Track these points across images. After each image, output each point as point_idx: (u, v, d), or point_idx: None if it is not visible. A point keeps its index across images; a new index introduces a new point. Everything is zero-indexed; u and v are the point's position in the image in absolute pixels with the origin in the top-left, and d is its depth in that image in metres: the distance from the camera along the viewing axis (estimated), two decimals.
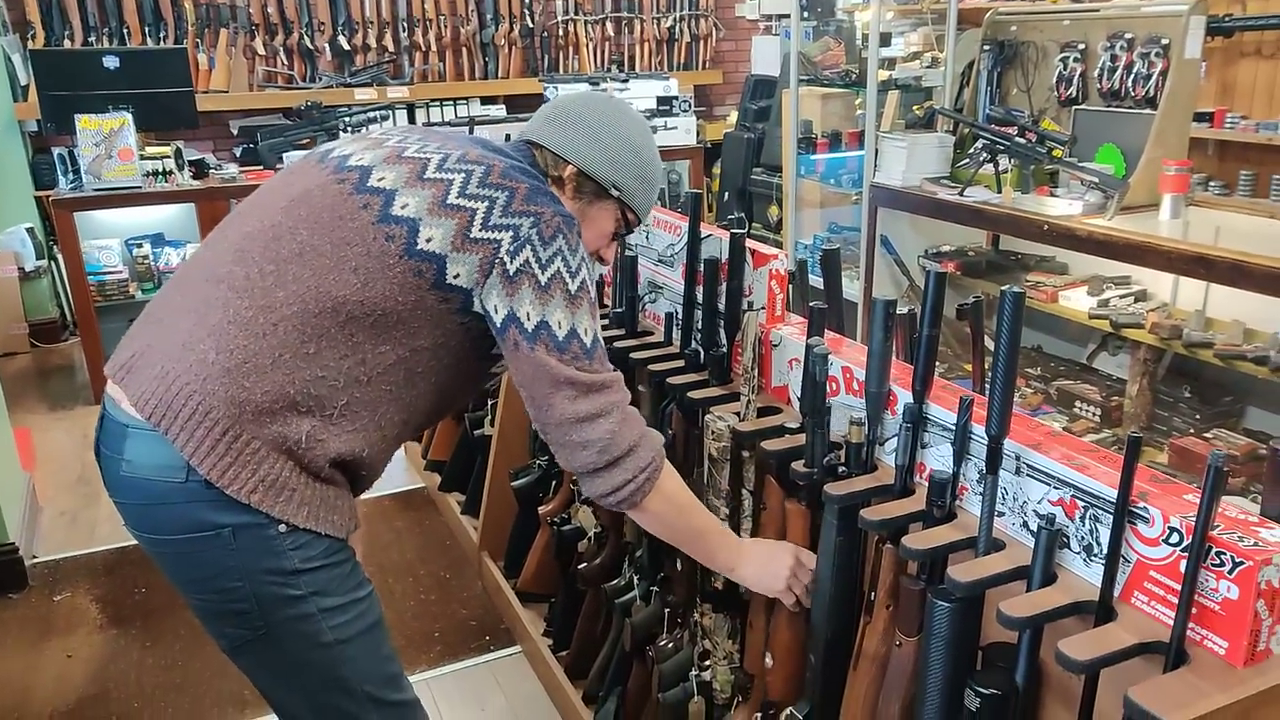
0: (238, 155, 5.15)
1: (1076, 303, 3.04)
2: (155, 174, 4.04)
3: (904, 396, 1.29)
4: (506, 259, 1.22)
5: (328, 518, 1.25)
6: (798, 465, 1.39)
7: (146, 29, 5.22)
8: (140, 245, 4.48)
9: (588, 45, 6.17)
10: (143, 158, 3.99)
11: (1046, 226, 2.81)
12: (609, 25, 6.22)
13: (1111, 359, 3.17)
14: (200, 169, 4.23)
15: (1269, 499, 0.95)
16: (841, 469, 1.35)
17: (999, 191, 3.10)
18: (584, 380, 1.23)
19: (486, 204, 1.24)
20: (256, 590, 1.23)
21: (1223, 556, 0.91)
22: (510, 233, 1.23)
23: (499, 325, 1.24)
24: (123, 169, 3.92)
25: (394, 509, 3.13)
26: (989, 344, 1.46)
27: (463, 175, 1.28)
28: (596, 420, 1.24)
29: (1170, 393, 2.88)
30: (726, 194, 5.61)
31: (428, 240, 1.23)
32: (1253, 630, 0.90)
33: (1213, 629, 0.93)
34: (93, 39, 5.12)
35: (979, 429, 1.16)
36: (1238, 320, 2.62)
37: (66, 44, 5.06)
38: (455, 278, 1.23)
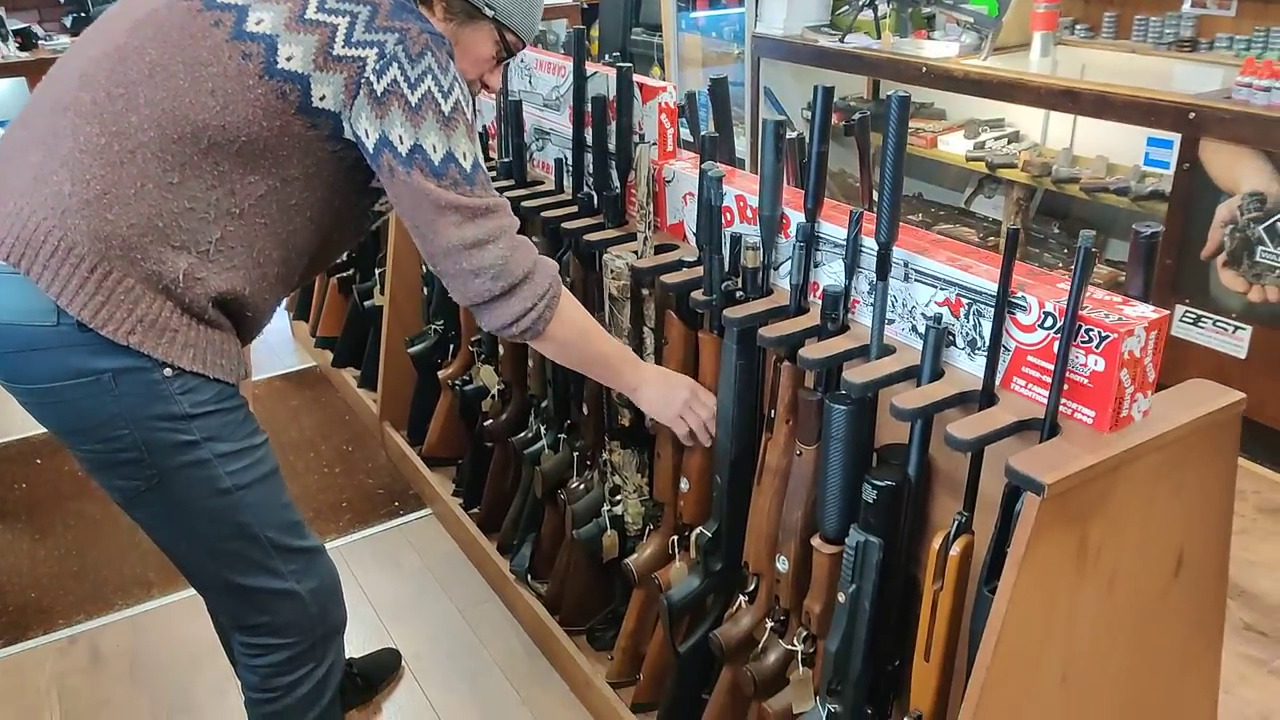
0: (68, 25, 4.73)
1: (954, 147, 3.13)
2: None
3: (796, 218, 1.32)
4: (373, 78, 1.16)
5: (215, 361, 1.22)
6: (697, 294, 1.41)
7: None
8: None
9: None
10: None
11: (925, 69, 2.86)
12: None
13: (988, 201, 3.29)
14: (27, 39, 3.89)
15: (1132, 279, 1.02)
16: (739, 295, 1.38)
17: (878, 37, 3.13)
18: (467, 205, 1.20)
19: (348, 19, 1.18)
20: (145, 438, 1.19)
21: (1091, 333, 0.98)
22: (375, 50, 1.16)
23: (372, 151, 1.19)
24: None
25: (287, 388, 3.08)
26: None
27: None
28: (485, 246, 1.22)
29: (1041, 230, 3.02)
30: (606, 56, 5.49)
31: (288, 59, 1.16)
32: (1117, 398, 0.98)
33: (1082, 401, 1.01)
34: None
35: (869, 242, 1.20)
36: (1102, 155, 2.74)
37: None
38: (321, 100, 1.17)
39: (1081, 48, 3.10)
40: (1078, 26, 3.10)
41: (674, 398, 1.44)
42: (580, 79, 1.69)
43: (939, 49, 2.94)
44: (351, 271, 2.91)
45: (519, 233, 1.28)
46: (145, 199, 1.14)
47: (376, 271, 2.73)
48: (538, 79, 1.88)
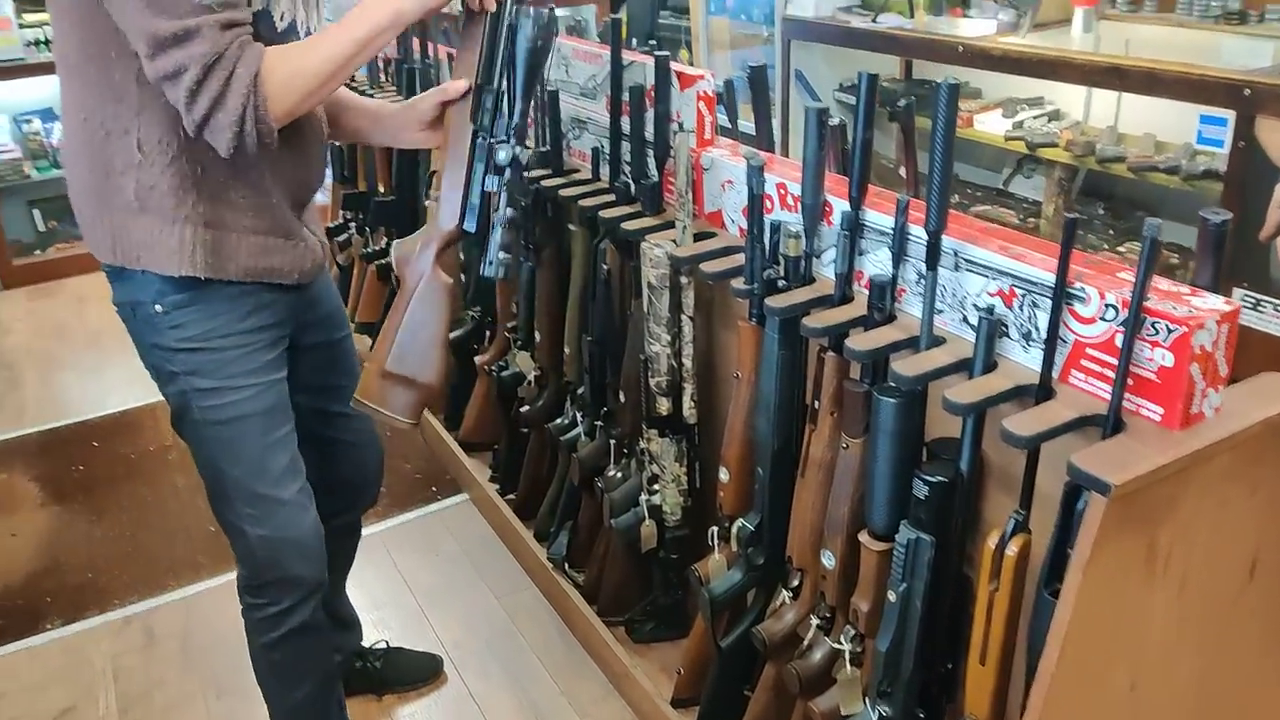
0: None
1: (991, 126, 3.06)
2: (37, 43, 3.75)
3: (840, 206, 1.30)
4: None
5: (197, 258, 1.28)
6: (738, 282, 1.39)
7: None
8: (30, 121, 4.18)
9: None
10: (22, 26, 3.71)
11: (962, 48, 2.80)
12: None
13: (1027, 181, 3.22)
14: None
15: (1200, 270, 0.99)
16: (782, 283, 1.36)
17: (911, 16, 3.07)
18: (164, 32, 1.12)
19: None
20: (152, 362, 1.38)
21: (1158, 326, 0.95)
22: None
23: None
24: (1, 40, 3.62)
25: None
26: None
27: None
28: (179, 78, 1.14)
29: (1085, 211, 2.95)
30: (634, 40, 5.44)
31: None
32: (1187, 394, 0.95)
33: (1149, 397, 0.97)
34: None
35: (916, 230, 1.18)
36: (1149, 133, 2.67)
37: None
38: None
39: (1125, 22, 3.02)
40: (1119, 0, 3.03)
41: None
42: (618, 68, 1.66)
43: (976, 27, 2.88)
44: (389, 258, 2.90)
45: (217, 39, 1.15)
46: (75, 144, 1.29)
47: None
48: (575, 68, 1.86)
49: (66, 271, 4.00)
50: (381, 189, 2.90)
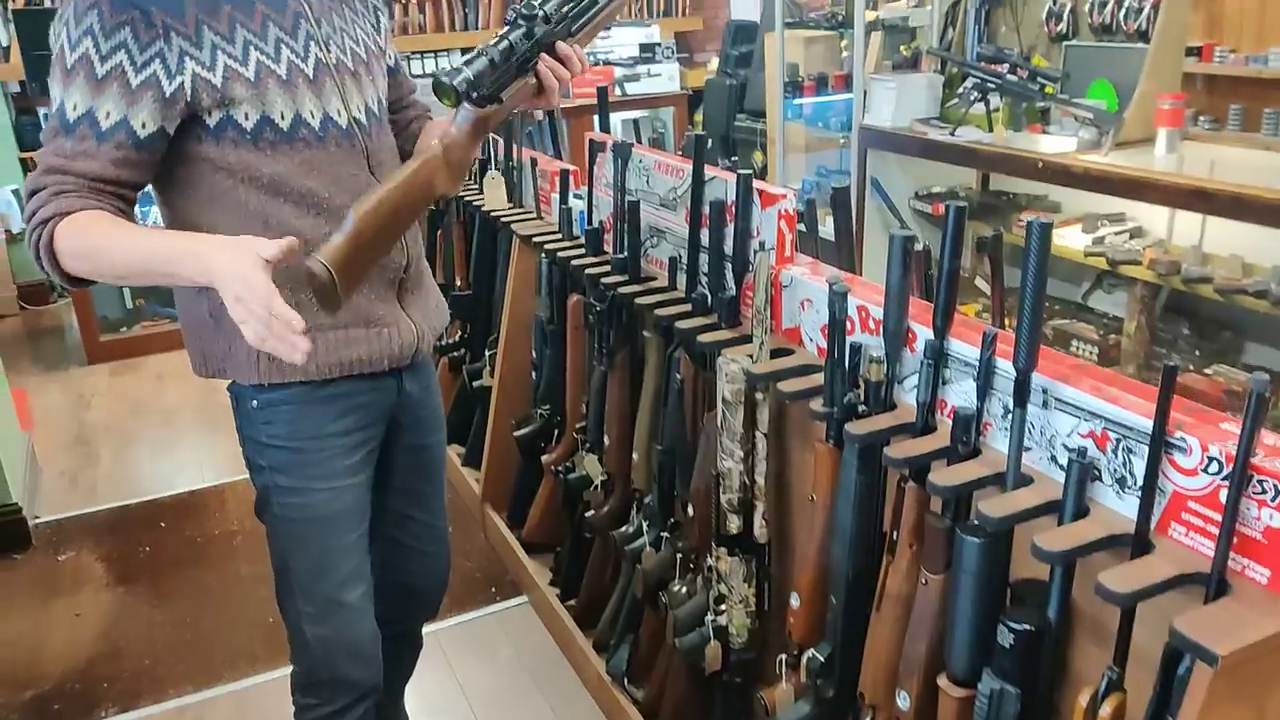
0: None
1: (1071, 241, 3.03)
2: None
3: (923, 333, 1.28)
4: None
5: (272, 365, 1.33)
6: (816, 404, 1.37)
7: None
8: None
9: None
10: None
11: (1041, 164, 2.79)
12: None
13: (1107, 297, 3.17)
14: None
15: None
16: (861, 408, 1.34)
17: (990, 130, 3.07)
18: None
19: None
20: (245, 452, 1.44)
21: (1265, 484, 0.90)
22: None
23: None
24: None
25: None
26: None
27: None
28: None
29: (1168, 330, 2.89)
30: (710, 141, 5.54)
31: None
32: None
33: (1255, 558, 0.92)
34: None
35: (1003, 363, 1.15)
36: (1235, 254, 2.62)
37: (48, 3, 4.89)
38: None
39: (1208, 142, 3.00)
40: (1201, 119, 3.01)
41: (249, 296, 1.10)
42: (699, 184, 1.68)
43: (1056, 144, 2.87)
44: (462, 351, 2.95)
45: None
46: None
47: (487, 353, 2.76)
48: (655, 179, 1.89)
49: (149, 349, 4.13)
50: (459, 283, 2.96)
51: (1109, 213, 3.03)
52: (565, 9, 1.42)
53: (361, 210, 1.22)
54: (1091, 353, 3.03)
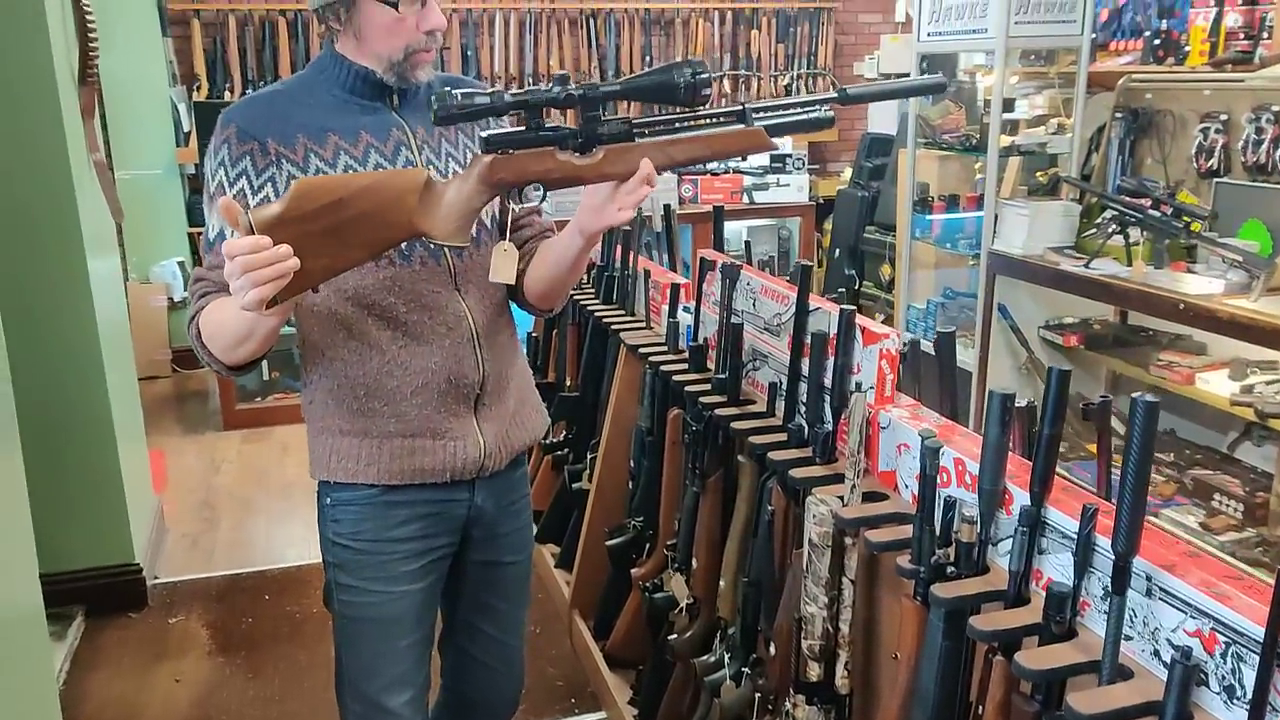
0: None
1: (1216, 387, 2.84)
2: None
3: (1020, 496, 1.21)
4: None
5: (341, 465, 1.41)
6: (903, 560, 1.31)
7: None
8: None
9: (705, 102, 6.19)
10: None
11: (1183, 305, 2.65)
12: (726, 82, 6.23)
13: (1256, 449, 2.95)
14: None
15: None
16: (951, 569, 1.26)
17: (1129, 265, 2.95)
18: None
19: None
20: (320, 544, 1.49)
21: None
22: None
23: None
24: None
25: None
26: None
27: None
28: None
29: None
30: (838, 251, 5.52)
31: None
32: None
33: None
34: (249, 91, 5.38)
35: (1104, 540, 1.07)
36: None
37: (227, 96, 5.35)
38: None
39: None
40: None
41: None
42: (802, 313, 1.66)
43: (1200, 285, 2.72)
44: (566, 451, 2.97)
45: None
46: None
47: (588, 456, 2.76)
48: (761, 304, 1.88)
49: (277, 419, 4.33)
50: (569, 383, 3.00)
51: (1260, 360, 2.84)
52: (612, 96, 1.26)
53: (302, 180, 1.22)
54: (1236, 510, 2.81)
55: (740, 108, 1.29)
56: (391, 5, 1.29)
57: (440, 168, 1.41)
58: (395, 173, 1.31)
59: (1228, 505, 2.82)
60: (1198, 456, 3.05)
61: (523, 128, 1.26)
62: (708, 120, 1.29)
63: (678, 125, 1.28)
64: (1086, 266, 2.99)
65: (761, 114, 1.30)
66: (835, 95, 1.30)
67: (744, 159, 4.80)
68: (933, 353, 1.54)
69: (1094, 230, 3.10)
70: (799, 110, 1.30)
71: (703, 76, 1.23)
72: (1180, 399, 2.97)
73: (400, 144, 1.38)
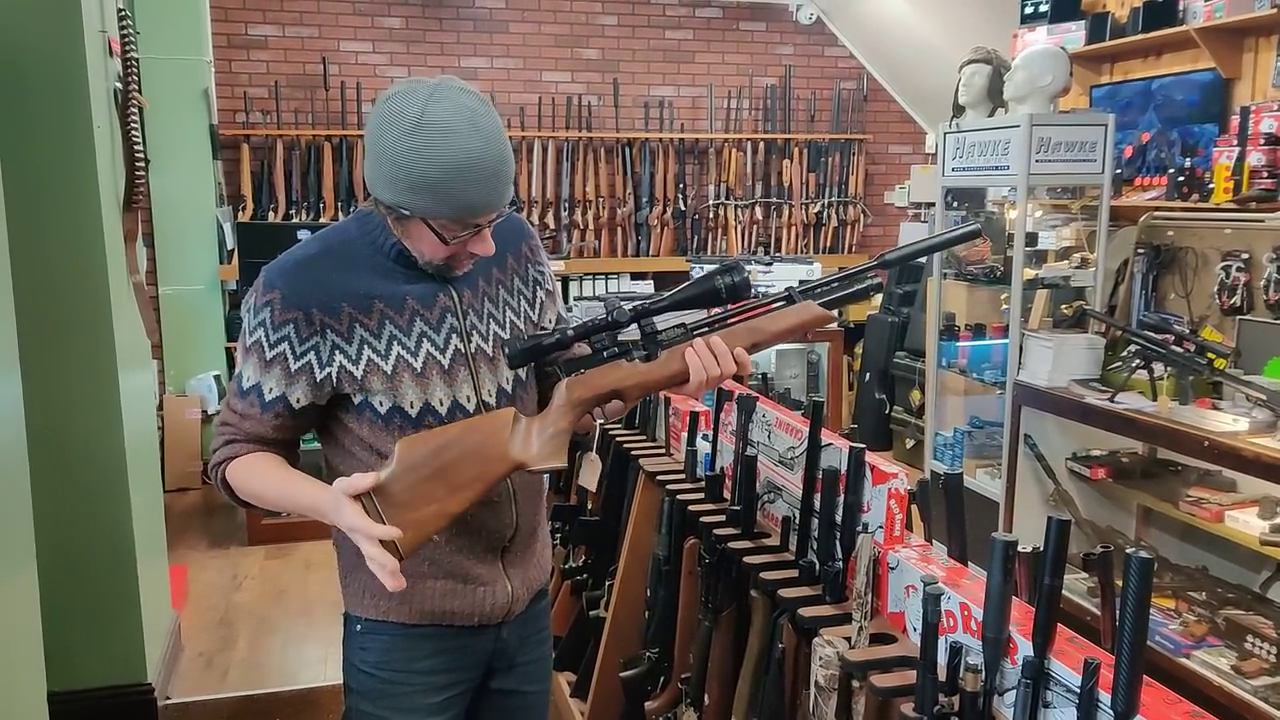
0: None
1: (1246, 525, 2.79)
2: None
3: (1025, 646, 1.19)
4: None
5: (372, 603, 1.45)
6: (907, 708, 1.28)
7: (339, 204, 5.71)
8: None
9: (736, 228, 6.34)
10: None
11: (1208, 443, 2.63)
12: (758, 210, 6.39)
13: None
14: None
15: None
16: (955, 718, 1.24)
17: (1154, 399, 2.94)
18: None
19: None
20: (343, 671, 1.52)
21: None
22: None
23: None
24: None
25: None
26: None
27: None
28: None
29: None
30: (869, 374, 5.54)
31: None
32: None
33: None
34: (293, 212, 5.64)
35: (1107, 698, 1.05)
36: None
37: (270, 217, 5.58)
38: None
39: None
40: None
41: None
42: (815, 449, 1.68)
43: (1226, 422, 2.70)
44: (585, 576, 2.95)
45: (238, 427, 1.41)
46: None
47: (606, 583, 2.74)
48: (776, 436, 1.89)
49: (302, 535, 4.34)
50: (590, 507, 3.00)
51: None
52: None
53: (405, 439, 1.33)
54: (1270, 652, 2.72)
55: (786, 292, 1.42)
56: (441, 240, 1.33)
57: (482, 330, 1.45)
58: (486, 416, 1.40)
59: (1261, 647, 2.73)
60: (1230, 595, 2.97)
61: (590, 352, 1.42)
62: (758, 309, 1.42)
63: (730, 321, 1.41)
64: (1111, 400, 2.98)
65: (809, 292, 1.41)
66: (875, 262, 1.39)
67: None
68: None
69: (1119, 363, 3.10)
70: (842, 283, 1.40)
71: (741, 279, 1.37)
72: (1210, 537, 2.91)
73: (446, 311, 1.41)
